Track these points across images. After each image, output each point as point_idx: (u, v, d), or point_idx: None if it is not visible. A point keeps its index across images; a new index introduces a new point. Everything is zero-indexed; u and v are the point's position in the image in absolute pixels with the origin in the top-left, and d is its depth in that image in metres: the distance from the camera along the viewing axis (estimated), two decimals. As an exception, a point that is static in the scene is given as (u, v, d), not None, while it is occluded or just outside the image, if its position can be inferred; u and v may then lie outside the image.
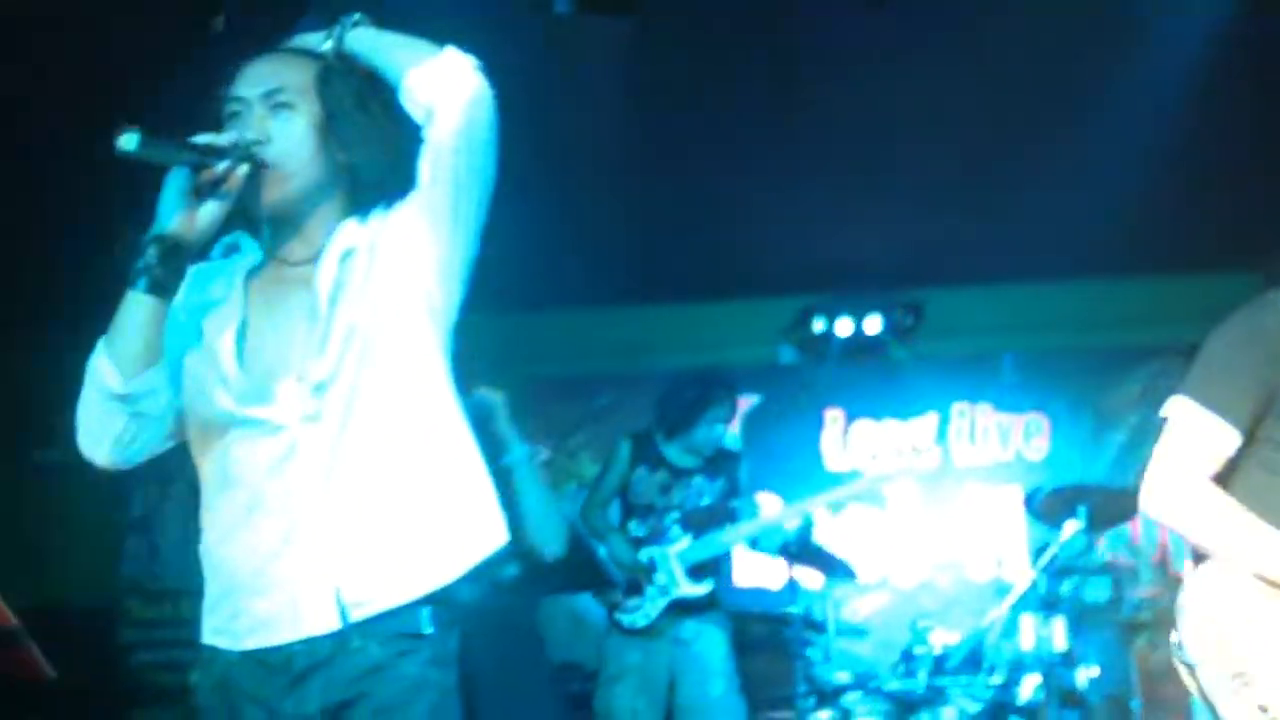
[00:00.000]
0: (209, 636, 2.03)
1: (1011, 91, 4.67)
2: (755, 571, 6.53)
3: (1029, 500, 5.31)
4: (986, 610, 5.18)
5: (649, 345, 6.55)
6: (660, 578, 4.81)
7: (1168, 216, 5.48)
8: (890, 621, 6.00)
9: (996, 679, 4.97)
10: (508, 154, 2.08)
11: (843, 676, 5.15)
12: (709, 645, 4.81)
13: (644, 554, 4.84)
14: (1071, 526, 4.90)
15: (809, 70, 4.59)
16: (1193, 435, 2.29)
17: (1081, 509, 4.91)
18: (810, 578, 5.52)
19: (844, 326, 6.71)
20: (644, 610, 4.78)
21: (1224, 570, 2.26)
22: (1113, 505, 4.76)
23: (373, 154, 2.04)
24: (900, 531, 6.64)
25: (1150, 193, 5.19)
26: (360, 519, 1.96)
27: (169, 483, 6.20)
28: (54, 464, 6.02)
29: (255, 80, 2.03)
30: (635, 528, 4.92)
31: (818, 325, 6.74)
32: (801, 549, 5.09)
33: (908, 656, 5.18)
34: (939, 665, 5.07)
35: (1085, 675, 4.97)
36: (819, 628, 5.25)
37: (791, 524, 4.93)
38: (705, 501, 4.98)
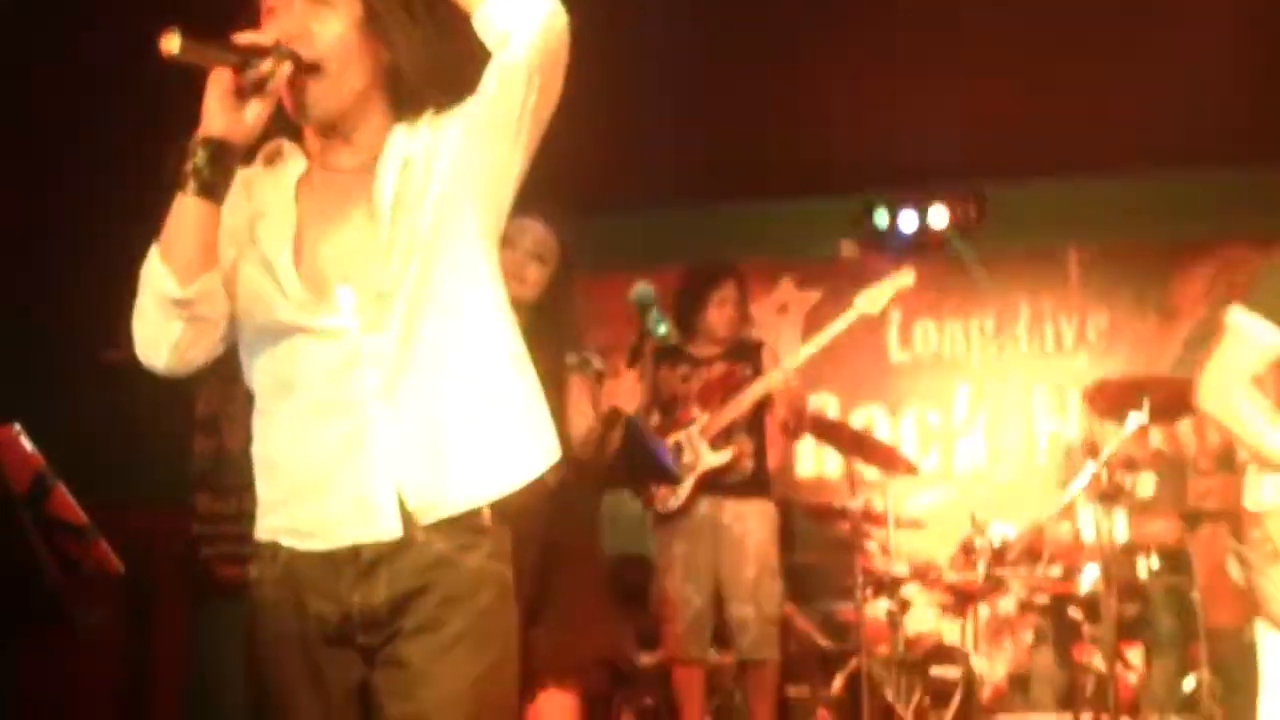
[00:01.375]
0: (268, 534, 2.05)
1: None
2: (816, 465, 6.58)
3: (1092, 393, 5.26)
4: (1047, 502, 5.17)
5: (709, 245, 6.52)
6: (687, 456, 4.87)
7: (1240, 106, 5.34)
8: (949, 514, 6.01)
9: (1056, 570, 4.98)
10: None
11: (901, 568, 5.18)
12: (749, 529, 4.87)
13: (671, 440, 4.90)
14: (1134, 419, 4.86)
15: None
16: (1245, 341, 2.43)
17: (1145, 401, 4.87)
18: (869, 470, 5.53)
19: (907, 220, 6.65)
20: (676, 494, 4.85)
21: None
22: (1175, 398, 4.70)
23: (416, 55, 2.03)
24: (960, 425, 6.63)
25: (1221, 82, 5.06)
26: (423, 426, 1.98)
27: (232, 382, 6.31)
28: (121, 364, 6.15)
29: None
30: (663, 422, 4.99)
31: (880, 219, 6.68)
32: (857, 443, 5.10)
33: (967, 548, 5.19)
34: (998, 556, 5.09)
35: (1144, 565, 4.98)
36: (878, 520, 5.27)
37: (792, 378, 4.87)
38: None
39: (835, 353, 5.38)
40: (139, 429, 5.96)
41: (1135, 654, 5.03)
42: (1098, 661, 4.70)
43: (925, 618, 5.18)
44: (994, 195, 6.55)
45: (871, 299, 5.02)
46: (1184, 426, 5.10)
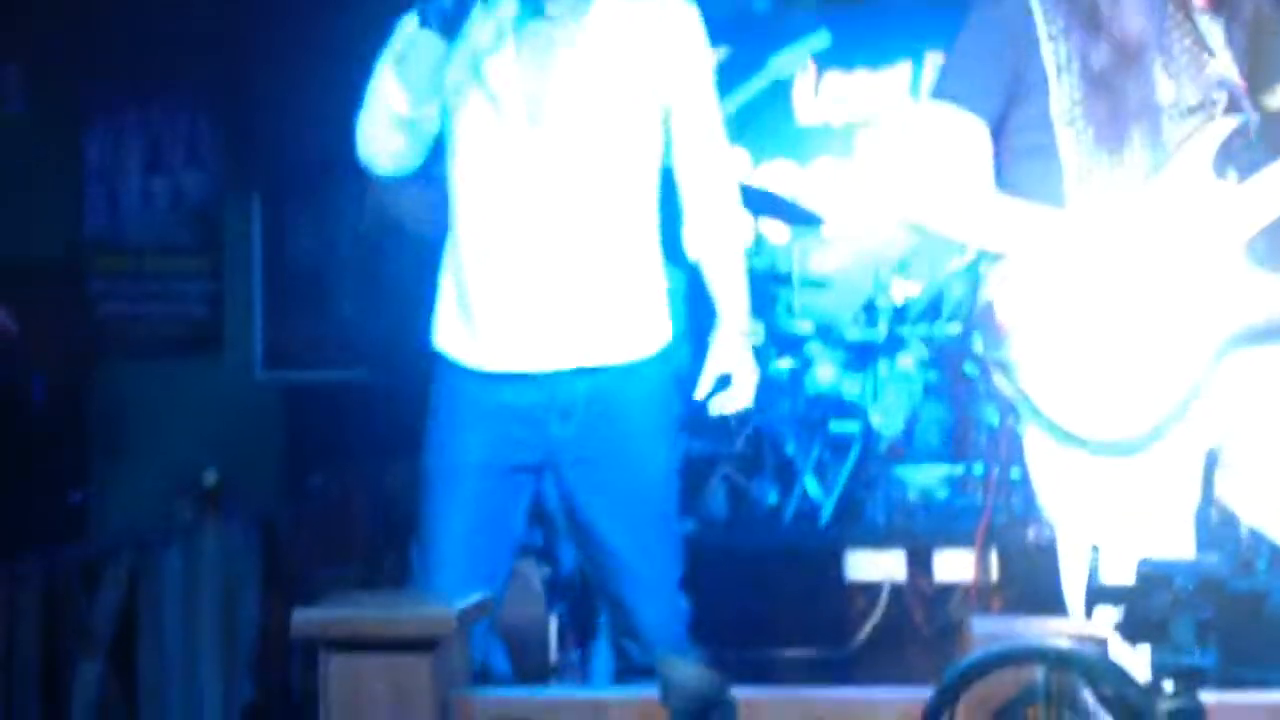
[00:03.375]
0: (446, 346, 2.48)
1: None
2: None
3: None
4: (949, 261, 5.21)
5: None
6: None
7: None
8: (853, 273, 6.04)
9: (954, 327, 5.06)
10: None
11: (805, 326, 5.24)
12: None
13: None
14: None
15: None
16: (934, 128, 2.20)
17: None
18: (775, 230, 5.52)
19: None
20: None
21: (1017, 262, 2.17)
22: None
23: None
24: (871, 182, 6.60)
25: None
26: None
27: (121, 127, 6.13)
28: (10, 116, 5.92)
29: None
30: None
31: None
32: (763, 199, 5.06)
33: (869, 307, 5.25)
34: (900, 315, 5.15)
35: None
36: (783, 280, 5.29)
37: None
38: None
39: (746, 109, 5.29)
40: (29, 182, 5.80)
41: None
42: (990, 413, 4.82)
43: (826, 375, 5.26)
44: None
45: (785, 63, 4.89)
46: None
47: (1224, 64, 2.18)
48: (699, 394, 2.49)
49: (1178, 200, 2.11)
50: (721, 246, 2.54)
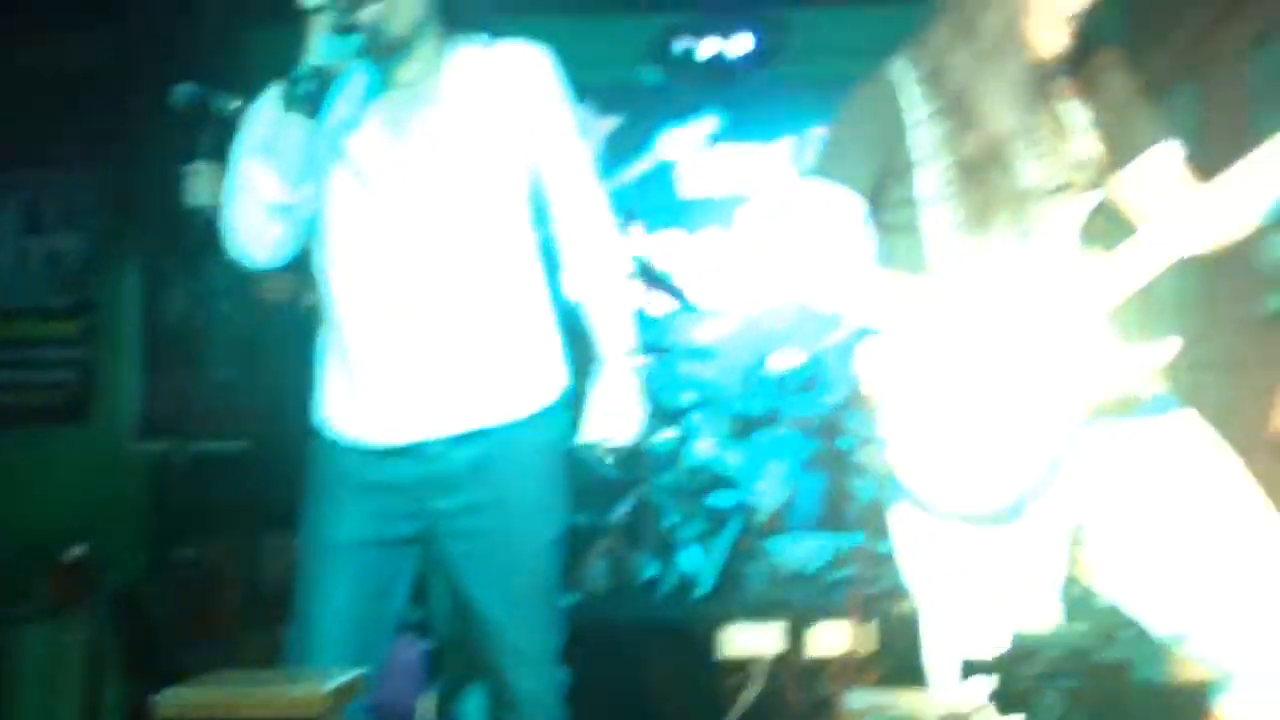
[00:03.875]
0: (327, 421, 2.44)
1: None
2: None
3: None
4: (827, 334, 5.28)
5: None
6: None
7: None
8: (735, 345, 6.10)
9: (832, 399, 5.13)
10: None
11: (687, 398, 5.27)
12: None
13: None
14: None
15: None
16: (820, 207, 2.30)
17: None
18: (658, 302, 5.56)
19: (708, 46, 6.58)
20: None
21: (886, 338, 2.26)
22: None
23: None
24: (749, 256, 6.69)
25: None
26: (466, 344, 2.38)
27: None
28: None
29: None
30: None
31: (682, 44, 6.59)
32: (648, 274, 5.10)
33: (750, 378, 5.31)
34: (780, 386, 5.21)
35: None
36: (665, 351, 5.32)
37: None
38: None
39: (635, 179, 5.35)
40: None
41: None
42: (866, 486, 4.88)
43: (707, 446, 5.29)
44: (796, 19, 6.51)
45: (673, 143, 4.93)
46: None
47: (1087, 145, 2.29)
48: (586, 431, 2.47)
49: (1040, 276, 2.19)
50: (601, 285, 2.52)
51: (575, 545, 4.51)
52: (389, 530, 2.43)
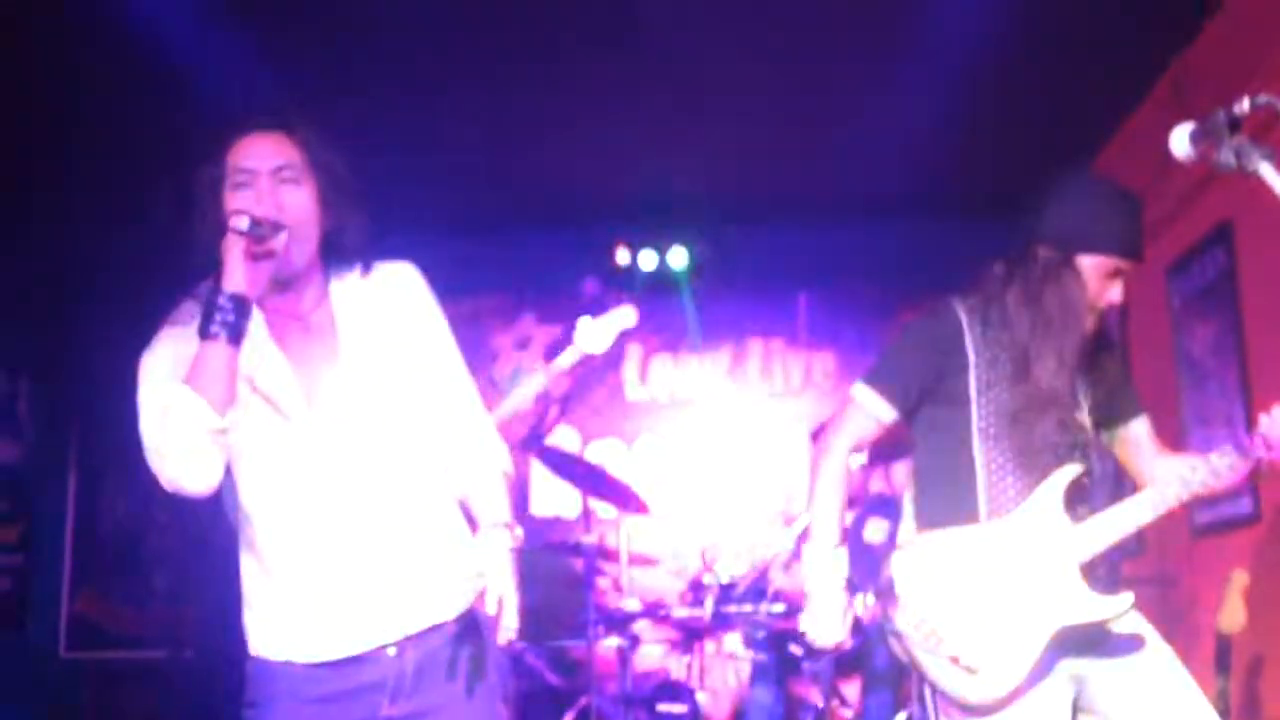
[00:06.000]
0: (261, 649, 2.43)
1: (820, 32, 4.76)
2: (552, 502, 6.59)
3: (815, 435, 5.45)
4: (773, 541, 5.32)
5: (449, 277, 6.47)
6: None
7: (961, 164, 5.68)
8: (681, 551, 6.12)
9: (779, 607, 5.13)
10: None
11: (632, 604, 5.25)
12: None
13: None
14: (855, 459, 5.06)
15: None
16: (858, 408, 2.85)
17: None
18: (604, 508, 5.58)
19: (647, 259, 6.77)
20: None
21: (915, 550, 2.76)
22: (892, 441, 4.92)
23: (355, 221, 2.47)
24: (692, 463, 6.77)
25: (936, 144, 5.37)
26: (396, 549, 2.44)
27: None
28: None
29: (261, 155, 2.38)
30: None
31: (622, 257, 6.78)
32: (594, 479, 5.13)
33: (696, 585, 5.30)
34: (726, 594, 5.20)
35: (862, 602, 5.17)
36: (612, 557, 5.32)
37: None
38: None
39: (576, 384, 5.41)
40: None
41: (852, 689, 5.21)
42: (815, 696, 4.85)
43: (654, 654, 5.25)
44: (731, 236, 6.74)
45: (593, 337, 4.99)
46: (900, 469, 5.32)
47: (1084, 415, 2.79)
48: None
49: (1034, 527, 2.69)
50: (482, 479, 2.59)
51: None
52: None
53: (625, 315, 4.95)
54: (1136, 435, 2.91)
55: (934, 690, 2.70)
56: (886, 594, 2.72)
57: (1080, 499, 2.72)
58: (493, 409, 4.17)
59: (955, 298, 2.85)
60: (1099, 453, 2.85)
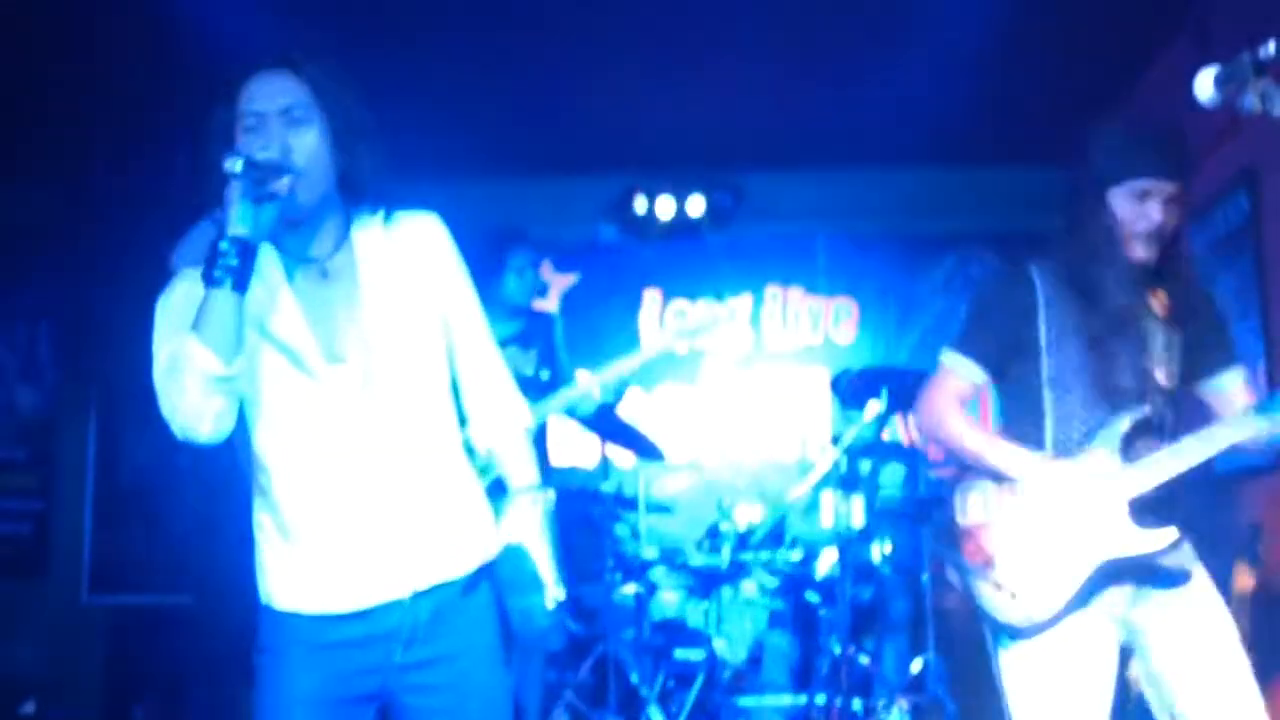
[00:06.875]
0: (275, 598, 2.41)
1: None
2: (571, 450, 6.60)
3: (835, 382, 5.45)
4: (790, 489, 5.33)
5: (466, 221, 6.46)
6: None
7: (980, 110, 5.61)
8: (698, 499, 6.13)
9: (796, 554, 5.14)
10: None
11: (650, 552, 5.27)
12: None
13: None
14: (874, 408, 5.06)
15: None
16: (949, 374, 3.00)
17: (884, 391, 5.07)
18: (622, 456, 5.58)
19: (665, 206, 6.74)
20: None
21: (978, 484, 2.92)
22: (914, 389, 4.91)
23: (367, 161, 2.42)
24: (710, 411, 6.77)
25: (960, 91, 5.31)
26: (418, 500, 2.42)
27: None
28: None
29: (268, 96, 2.35)
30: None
31: (639, 204, 6.76)
32: (613, 427, 5.12)
33: (713, 533, 5.31)
34: (743, 541, 5.22)
35: (879, 550, 5.19)
36: (629, 504, 5.33)
37: (598, 393, 4.82)
38: (525, 373, 4.95)
39: (592, 332, 5.40)
40: None
41: (869, 638, 5.23)
42: (833, 643, 4.86)
43: (671, 601, 5.27)
44: (750, 182, 6.70)
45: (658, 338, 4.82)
46: (915, 418, 5.30)
47: (1159, 363, 2.92)
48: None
49: (1089, 466, 2.84)
50: (506, 435, 2.60)
51: (539, 702, 4.47)
52: (348, 688, 2.41)
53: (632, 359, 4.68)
54: (1226, 386, 3.00)
55: (985, 617, 2.87)
56: (949, 524, 2.94)
57: (1144, 444, 2.83)
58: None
59: (1027, 257, 3.00)
60: (1173, 401, 2.94)
